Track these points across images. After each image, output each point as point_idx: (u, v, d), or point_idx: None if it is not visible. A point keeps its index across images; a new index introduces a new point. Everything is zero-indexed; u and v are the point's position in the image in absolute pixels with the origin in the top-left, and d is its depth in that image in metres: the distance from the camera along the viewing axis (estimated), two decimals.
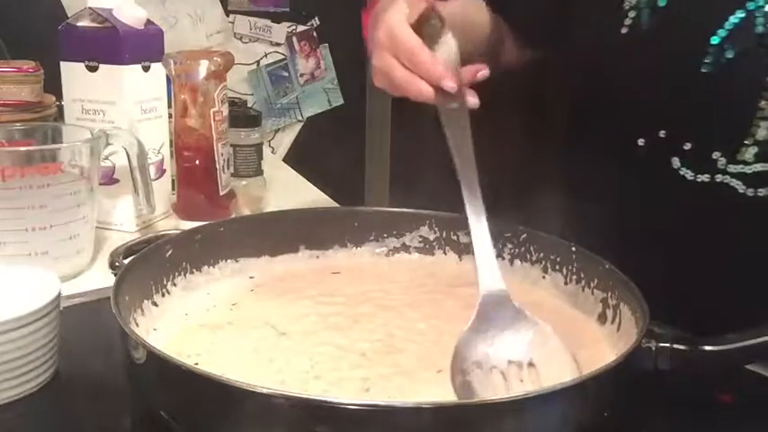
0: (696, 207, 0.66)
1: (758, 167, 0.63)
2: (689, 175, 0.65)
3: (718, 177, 0.64)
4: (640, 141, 0.68)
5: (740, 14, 0.62)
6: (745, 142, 0.63)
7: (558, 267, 0.67)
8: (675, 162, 0.66)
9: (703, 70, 0.63)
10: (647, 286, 0.55)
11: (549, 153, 0.84)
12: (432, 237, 0.74)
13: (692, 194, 0.66)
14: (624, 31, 0.68)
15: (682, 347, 0.48)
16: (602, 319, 0.60)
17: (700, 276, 0.67)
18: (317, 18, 1.94)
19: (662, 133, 0.66)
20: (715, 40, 0.63)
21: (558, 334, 0.55)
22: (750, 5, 0.62)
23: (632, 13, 0.67)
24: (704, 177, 0.65)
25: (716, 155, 0.64)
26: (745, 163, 0.63)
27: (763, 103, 0.62)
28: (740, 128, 0.63)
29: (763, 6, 0.61)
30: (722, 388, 0.55)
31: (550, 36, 0.79)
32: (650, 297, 0.53)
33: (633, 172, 0.69)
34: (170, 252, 0.63)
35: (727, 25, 0.62)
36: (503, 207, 0.64)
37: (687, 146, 0.65)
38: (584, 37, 0.74)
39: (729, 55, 0.62)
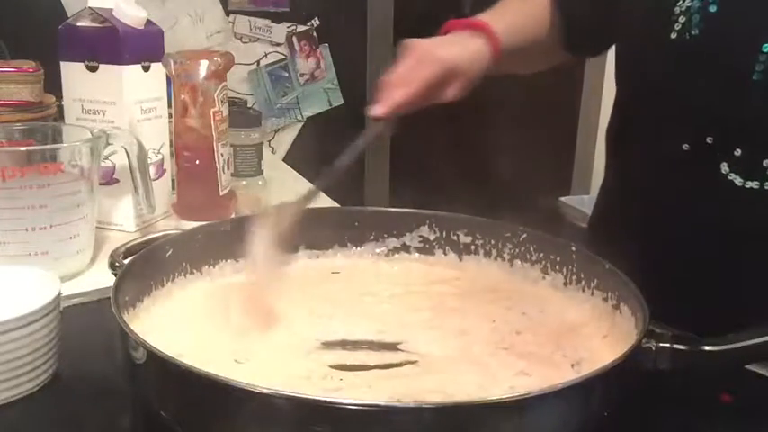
0: (742, 211, 0.66)
1: None
2: (738, 180, 0.65)
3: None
4: (685, 146, 0.68)
5: None
6: None
7: (558, 268, 0.67)
8: (724, 167, 0.66)
9: (754, 78, 0.62)
10: (668, 287, 0.55)
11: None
12: (432, 237, 0.74)
13: (739, 199, 0.65)
14: (673, 36, 0.67)
15: (682, 347, 0.48)
16: (602, 318, 0.60)
17: (736, 280, 0.67)
18: (317, 18, 1.94)
19: (709, 139, 0.66)
20: (766, 48, 0.62)
21: (560, 333, 0.55)
22: None
23: (682, 18, 0.66)
24: (753, 184, 0.65)
25: (766, 162, 0.64)
26: None
27: None
28: None
29: None
30: (722, 388, 0.55)
31: (599, 37, 0.80)
32: (667, 298, 0.53)
33: (677, 176, 0.69)
34: (170, 252, 0.63)
35: None
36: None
37: (737, 152, 0.65)
38: (633, 40, 0.74)
39: None
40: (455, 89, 0.69)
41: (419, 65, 0.67)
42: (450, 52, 0.69)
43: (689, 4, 0.66)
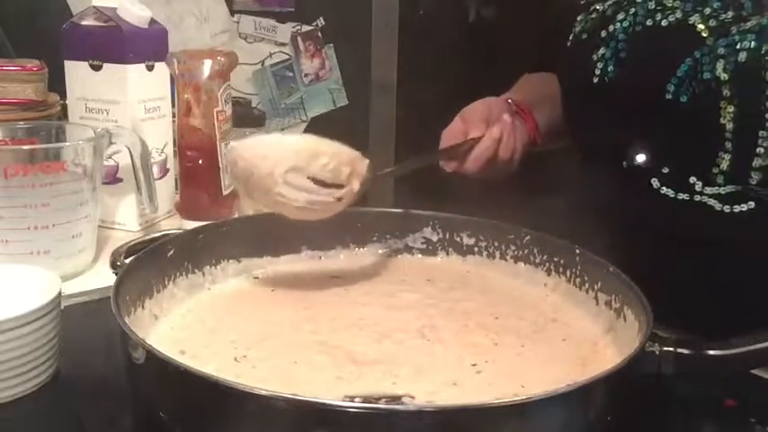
0: (679, 219, 0.74)
1: (730, 189, 0.71)
2: (670, 193, 0.74)
3: (697, 197, 0.73)
4: (624, 164, 0.78)
5: (689, 62, 0.70)
6: (713, 171, 0.71)
7: (561, 270, 0.67)
8: (655, 183, 0.75)
9: (665, 108, 0.72)
10: (650, 290, 0.55)
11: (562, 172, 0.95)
12: (435, 238, 0.74)
13: (674, 209, 0.74)
14: (595, 80, 0.78)
15: (686, 352, 0.48)
16: (605, 322, 0.60)
17: (692, 283, 0.73)
18: (321, 18, 1.94)
19: (639, 158, 0.76)
20: (670, 87, 0.71)
21: (563, 337, 0.54)
22: (697, 54, 0.70)
23: (600, 65, 0.78)
24: (684, 196, 0.73)
25: (692, 179, 0.73)
26: (719, 185, 0.72)
27: (725, 141, 0.70)
28: (707, 158, 0.71)
29: (707, 54, 0.69)
30: (727, 393, 0.55)
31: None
32: (655, 301, 0.53)
33: (621, 189, 0.78)
34: (171, 252, 0.62)
35: (679, 73, 0.71)
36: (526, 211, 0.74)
37: (665, 170, 0.75)
38: (566, 86, 0.87)
39: (684, 99, 0.71)
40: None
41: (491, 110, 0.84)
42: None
43: (603, 52, 0.77)
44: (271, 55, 1.94)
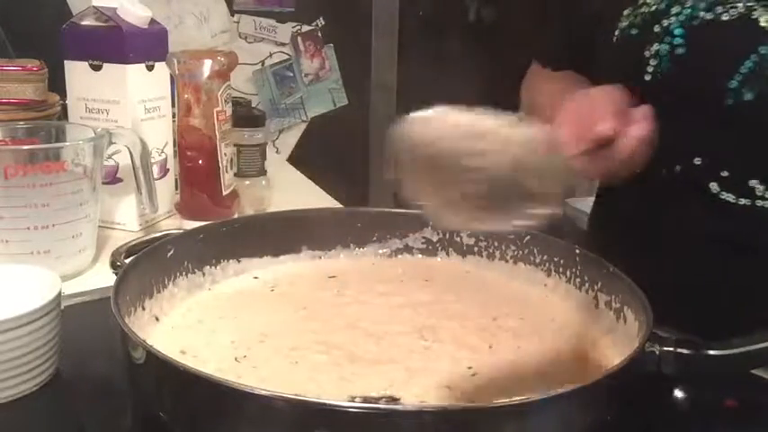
0: (738, 225, 0.70)
1: None
2: (731, 198, 0.69)
3: (759, 202, 0.68)
4: (678, 168, 0.72)
5: (754, 59, 0.65)
6: None
7: (561, 270, 0.66)
8: (714, 187, 0.70)
9: (727, 107, 0.66)
10: (660, 291, 0.54)
11: None
12: (435, 238, 0.74)
13: (733, 215, 0.69)
14: (648, 78, 0.72)
15: (686, 352, 0.48)
16: (605, 322, 0.60)
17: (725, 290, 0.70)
18: (321, 18, 1.94)
19: (697, 160, 0.70)
20: (733, 85, 0.66)
21: (563, 337, 0.54)
22: (762, 50, 0.65)
23: (653, 61, 0.71)
24: (745, 201, 0.69)
25: (753, 182, 0.68)
26: None
27: None
28: None
29: None
30: (727, 393, 0.55)
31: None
32: (659, 301, 0.53)
33: (673, 193, 0.73)
34: (171, 252, 0.62)
35: (742, 70, 0.65)
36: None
37: (724, 173, 0.69)
38: (614, 83, 0.74)
39: (748, 97, 0.65)
40: None
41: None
42: None
43: (657, 48, 0.71)
44: (271, 55, 1.94)
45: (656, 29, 0.72)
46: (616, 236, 0.80)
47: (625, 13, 0.76)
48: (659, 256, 0.74)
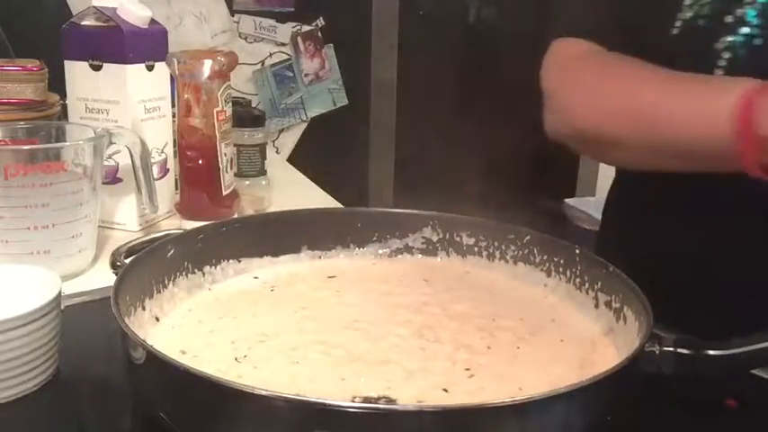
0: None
1: None
2: None
3: None
4: None
5: None
6: None
7: (561, 270, 0.66)
8: None
9: None
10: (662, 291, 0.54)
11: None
12: (435, 238, 0.74)
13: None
14: (720, 72, 0.68)
15: (686, 351, 0.48)
16: (605, 322, 0.60)
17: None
18: (321, 18, 1.94)
19: None
20: None
21: (563, 337, 0.54)
22: None
23: (727, 54, 0.67)
24: None
25: None
26: None
27: None
28: None
29: None
30: (727, 393, 0.55)
31: None
32: (660, 300, 0.53)
33: (743, 190, 0.67)
34: (171, 252, 0.62)
35: None
36: None
37: None
38: None
39: None
40: None
41: None
42: None
43: (731, 39, 0.67)
44: (271, 55, 1.94)
45: (728, 19, 0.68)
46: (636, 213, 0.78)
47: (687, 2, 0.71)
48: (680, 230, 0.71)
